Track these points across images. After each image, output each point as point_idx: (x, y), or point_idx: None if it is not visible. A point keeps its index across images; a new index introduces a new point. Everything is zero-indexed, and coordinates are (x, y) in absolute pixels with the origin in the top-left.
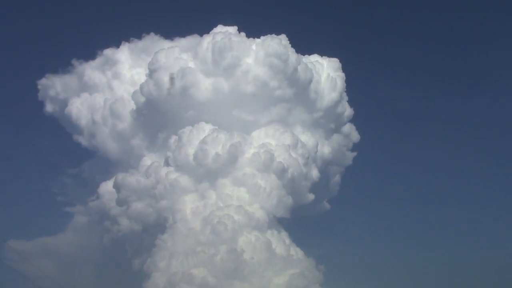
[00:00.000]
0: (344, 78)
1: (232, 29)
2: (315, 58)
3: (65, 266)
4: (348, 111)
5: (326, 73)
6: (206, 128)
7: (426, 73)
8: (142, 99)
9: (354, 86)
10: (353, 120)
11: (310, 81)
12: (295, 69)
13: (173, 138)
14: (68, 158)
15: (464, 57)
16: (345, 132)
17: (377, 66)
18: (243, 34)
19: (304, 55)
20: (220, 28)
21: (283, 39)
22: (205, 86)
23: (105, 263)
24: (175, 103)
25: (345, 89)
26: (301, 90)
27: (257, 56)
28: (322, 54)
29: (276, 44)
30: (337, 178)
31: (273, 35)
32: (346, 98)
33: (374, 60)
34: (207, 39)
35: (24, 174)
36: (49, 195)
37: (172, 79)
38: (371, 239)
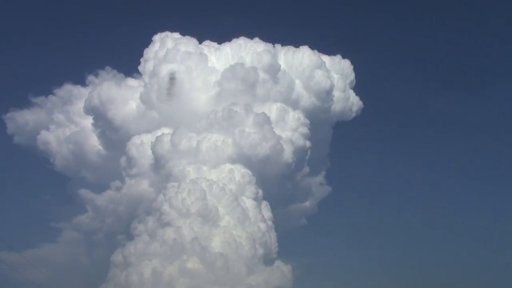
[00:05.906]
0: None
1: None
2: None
3: (57, 273)
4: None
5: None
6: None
7: (424, 75)
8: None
9: None
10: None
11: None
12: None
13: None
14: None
15: (463, 60)
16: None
17: (376, 66)
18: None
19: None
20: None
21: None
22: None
23: (90, 268)
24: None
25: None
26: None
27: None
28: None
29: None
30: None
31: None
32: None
33: (373, 60)
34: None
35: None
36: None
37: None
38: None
